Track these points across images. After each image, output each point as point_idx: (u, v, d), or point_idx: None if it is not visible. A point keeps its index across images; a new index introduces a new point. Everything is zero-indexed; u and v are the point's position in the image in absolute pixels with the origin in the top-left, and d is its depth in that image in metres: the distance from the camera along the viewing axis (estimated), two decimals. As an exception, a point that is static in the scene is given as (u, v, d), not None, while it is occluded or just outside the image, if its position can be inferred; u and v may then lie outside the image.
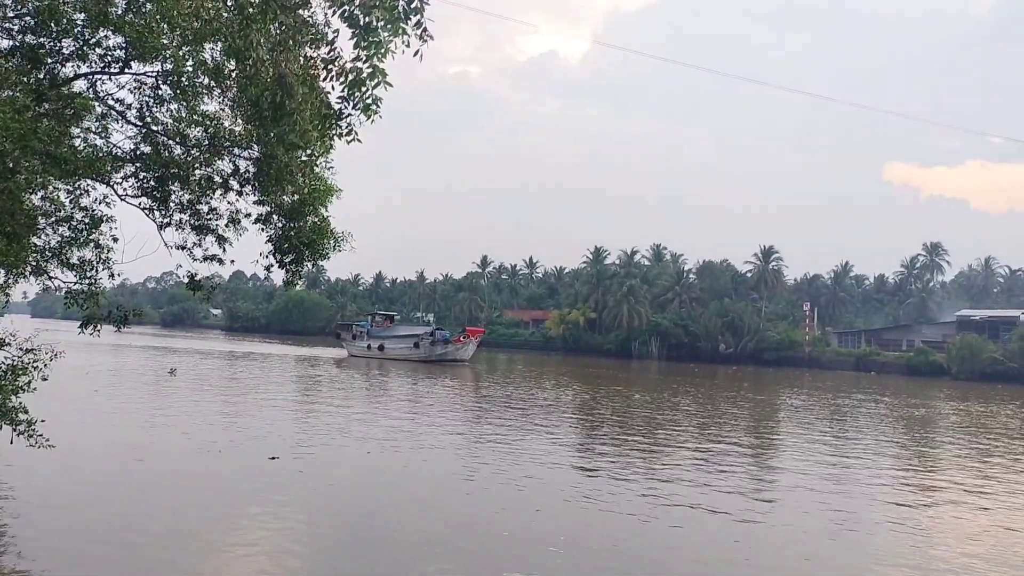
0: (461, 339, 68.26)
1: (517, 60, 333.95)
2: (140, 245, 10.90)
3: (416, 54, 6.24)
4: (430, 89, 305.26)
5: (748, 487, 18.16)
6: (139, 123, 10.53)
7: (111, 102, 10.48)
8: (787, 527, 14.60)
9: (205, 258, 11.24)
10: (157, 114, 10.51)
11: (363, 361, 63.84)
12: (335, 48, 6.90)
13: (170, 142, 10.60)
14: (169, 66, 9.82)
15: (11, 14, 9.55)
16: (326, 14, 7.28)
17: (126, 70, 10.12)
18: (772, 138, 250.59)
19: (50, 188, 10.63)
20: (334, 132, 7.91)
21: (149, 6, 9.15)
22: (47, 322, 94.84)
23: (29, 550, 11.06)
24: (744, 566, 12.20)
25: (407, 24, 6.19)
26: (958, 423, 35.42)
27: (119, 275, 11.52)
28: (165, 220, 11.01)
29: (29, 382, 10.89)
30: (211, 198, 10.96)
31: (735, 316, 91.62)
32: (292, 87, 7.28)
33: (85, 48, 9.75)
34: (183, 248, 11.16)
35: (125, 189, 10.84)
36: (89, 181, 10.72)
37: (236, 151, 10.42)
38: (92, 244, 11.00)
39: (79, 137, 10.53)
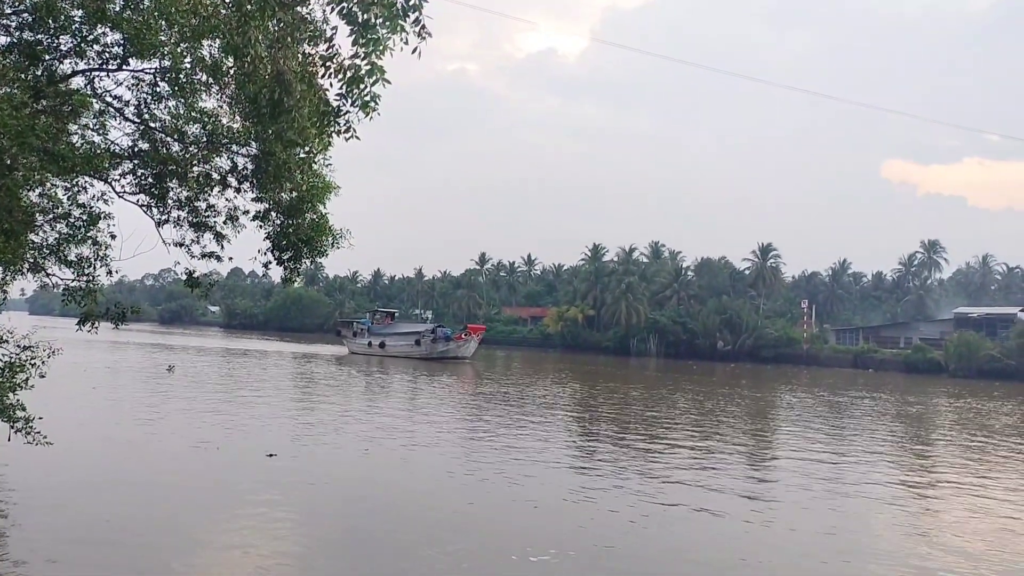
0: (463, 336, 68.24)
1: (515, 57, 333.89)
2: (138, 242, 10.89)
3: (414, 51, 6.23)
4: (428, 86, 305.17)
5: (745, 486, 18.19)
6: (137, 120, 10.50)
7: (109, 99, 10.45)
8: (785, 526, 14.60)
9: (203, 255, 11.22)
10: (155, 111, 10.49)
11: (363, 358, 63.79)
12: (333, 45, 6.89)
13: (168, 139, 10.58)
14: (167, 63, 9.79)
15: (9, 10, 9.52)
16: (324, 11, 7.26)
17: (124, 67, 10.09)
18: (770, 136, 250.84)
19: (48, 185, 10.61)
20: (332, 129, 7.89)
21: (147, 3, 9.14)
22: (45, 319, 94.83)
23: (26, 548, 11.06)
24: (742, 567, 12.17)
25: (405, 21, 6.17)
26: (956, 420, 35.49)
27: (117, 272, 11.48)
28: (163, 217, 10.99)
29: (27, 379, 10.90)
30: (209, 195, 10.94)
31: (733, 313, 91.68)
32: (290, 84, 7.27)
33: (83, 45, 9.72)
34: (181, 245, 11.14)
35: (123, 186, 10.82)
36: (87, 178, 10.70)
37: (234, 148, 10.40)
38: (90, 241, 10.99)
39: (77, 134, 10.51)
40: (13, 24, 9.54)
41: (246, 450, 19.31)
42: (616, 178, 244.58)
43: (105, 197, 10.96)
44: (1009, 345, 73.70)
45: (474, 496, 15.90)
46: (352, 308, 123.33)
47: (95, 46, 9.84)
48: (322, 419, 25.76)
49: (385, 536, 12.76)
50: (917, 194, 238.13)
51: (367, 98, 6.71)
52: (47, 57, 9.69)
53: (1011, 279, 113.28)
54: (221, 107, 10.24)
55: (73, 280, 11.05)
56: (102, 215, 10.98)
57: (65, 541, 11.50)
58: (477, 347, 69.77)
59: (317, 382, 41.26)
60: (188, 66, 9.75)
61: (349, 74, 6.55)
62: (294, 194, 10.12)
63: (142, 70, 10.20)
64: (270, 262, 10.72)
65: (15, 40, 9.49)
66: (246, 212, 10.93)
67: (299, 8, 7.32)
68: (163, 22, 8.98)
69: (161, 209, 10.95)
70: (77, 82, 10.32)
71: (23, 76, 9.06)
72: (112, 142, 10.69)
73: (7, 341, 11.09)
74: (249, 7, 7.04)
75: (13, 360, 10.82)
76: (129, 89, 10.42)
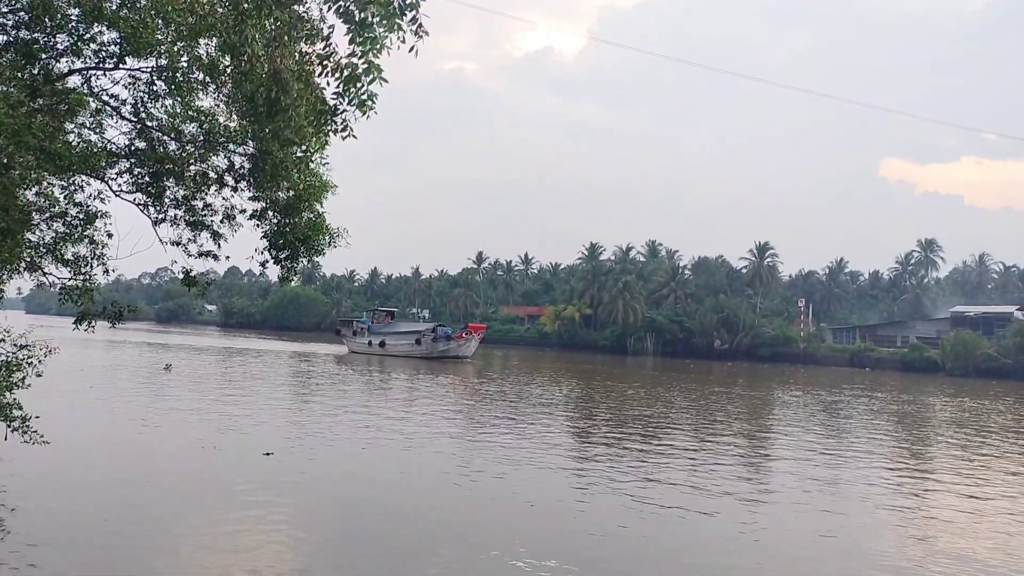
0: (464, 336, 68.15)
1: (513, 56, 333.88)
2: (135, 241, 10.88)
3: (412, 50, 6.24)
4: (426, 85, 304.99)
5: (741, 487, 18.21)
6: (134, 119, 10.49)
7: (106, 97, 10.44)
8: (781, 528, 14.59)
9: (200, 254, 11.22)
10: (152, 110, 10.47)
11: (363, 358, 63.69)
12: (330, 44, 6.89)
13: (165, 138, 10.57)
14: (164, 62, 9.78)
15: (5, 9, 9.50)
16: (321, 10, 7.27)
17: (121, 66, 10.07)
18: (769, 135, 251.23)
19: (44, 184, 10.59)
20: (329, 128, 7.89)
21: (144, 1, 9.11)
22: (41, 318, 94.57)
23: (21, 547, 11.04)
24: (738, 570, 12.15)
25: (402, 20, 6.18)
26: (953, 420, 35.56)
27: (114, 271, 11.46)
28: (160, 216, 10.98)
29: (24, 378, 10.88)
30: (206, 194, 10.93)
31: (730, 312, 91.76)
32: (287, 83, 7.27)
33: (79, 44, 9.70)
34: (178, 244, 11.14)
35: (120, 185, 10.81)
36: (84, 177, 10.69)
37: (231, 147, 10.39)
38: (87, 240, 10.97)
39: (73, 133, 10.49)
40: (9, 23, 9.52)
41: (243, 449, 19.30)
42: (614, 177, 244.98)
43: (102, 196, 10.96)
44: (1006, 344, 73.88)
45: (472, 497, 15.90)
46: (349, 307, 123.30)
47: (92, 45, 9.82)
48: (320, 418, 25.75)
49: (382, 537, 12.76)
50: (915, 193, 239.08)
51: (364, 97, 6.71)
52: (43, 56, 9.67)
53: (1008, 278, 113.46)
54: (218, 106, 10.24)
55: (70, 279, 11.03)
56: (99, 214, 10.97)
57: (62, 541, 11.49)
58: (477, 346, 69.76)
59: (316, 381, 41.23)
60: (185, 65, 9.74)
61: (346, 73, 6.55)
62: (291, 193, 10.12)
63: (139, 69, 10.18)
64: (267, 261, 10.72)
65: (12, 39, 9.47)
66: (243, 211, 10.92)
67: (296, 6, 7.32)
68: (160, 21, 8.97)
69: (158, 208, 10.94)
70: (74, 81, 10.31)
71: (19, 75, 9.04)
72: (109, 141, 10.68)
73: (4, 340, 11.08)
74: (246, 5, 7.05)
75: (10, 359, 10.80)
76: (126, 88, 10.41)
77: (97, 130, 10.65)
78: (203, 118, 10.29)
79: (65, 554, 10.97)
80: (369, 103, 6.78)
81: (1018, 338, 72.78)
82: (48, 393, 16.85)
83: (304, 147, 9.42)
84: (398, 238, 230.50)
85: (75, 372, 33.88)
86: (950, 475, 20.62)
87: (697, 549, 12.98)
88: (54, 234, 11.01)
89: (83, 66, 10.07)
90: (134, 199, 10.89)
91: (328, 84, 7.09)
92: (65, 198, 10.99)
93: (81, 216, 10.90)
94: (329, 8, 6.37)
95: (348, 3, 6.20)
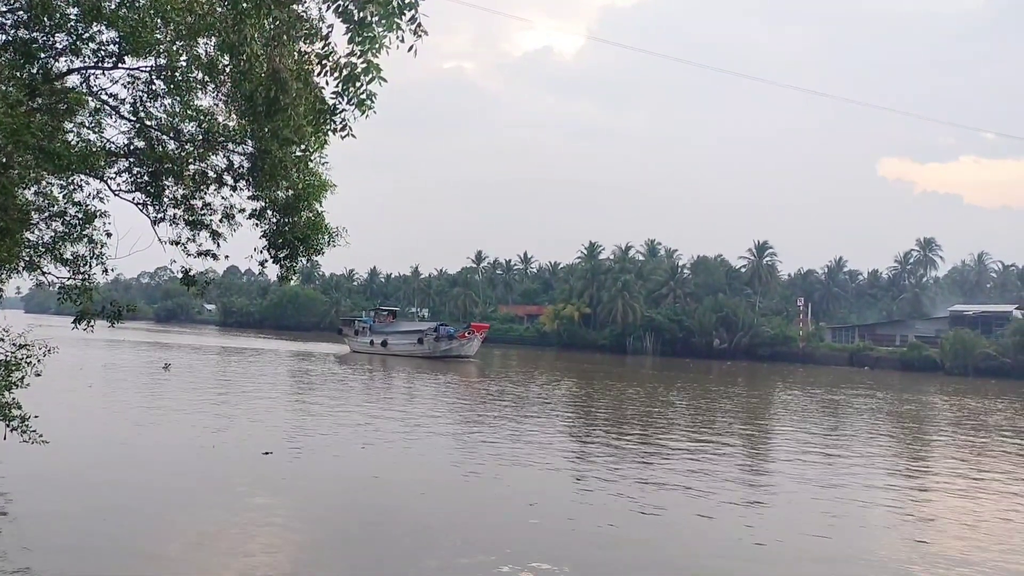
0: (466, 335, 68.10)
1: (512, 55, 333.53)
2: (134, 240, 10.86)
3: (410, 49, 6.23)
4: (425, 85, 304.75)
5: (740, 488, 18.23)
6: (133, 118, 10.48)
7: (104, 97, 10.42)
8: (779, 529, 14.54)
9: (199, 253, 11.20)
10: (151, 109, 10.45)
11: (365, 357, 63.65)
12: (329, 43, 6.89)
13: (164, 137, 10.56)
14: (163, 61, 9.77)
15: (4, 8, 9.49)
16: (320, 9, 7.27)
17: (120, 65, 10.06)
18: (767, 134, 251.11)
19: (43, 183, 10.58)
20: (328, 127, 7.89)
21: (143, 1, 9.11)
22: (40, 318, 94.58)
23: (22, 547, 11.05)
24: (736, 571, 12.15)
25: (401, 19, 6.17)
26: (952, 419, 35.59)
27: (113, 270, 11.44)
28: (159, 215, 10.97)
29: (22, 378, 10.86)
30: (205, 193, 10.92)
31: (729, 311, 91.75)
32: (286, 82, 7.26)
33: (78, 43, 9.69)
34: (177, 243, 11.12)
35: (119, 184, 10.79)
36: (82, 176, 10.67)
37: (230, 146, 10.38)
38: (85, 239, 10.95)
39: (72, 132, 10.47)
40: (8, 22, 9.51)
41: (242, 448, 19.30)
42: (613, 177, 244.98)
43: (101, 195, 10.93)
44: (1005, 343, 73.92)
45: (471, 497, 15.91)
46: (348, 306, 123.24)
47: (91, 44, 9.80)
48: (320, 418, 25.76)
49: (380, 537, 12.76)
50: (914, 192, 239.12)
51: (363, 96, 6.71)
52: (42, 55, 9.65)
53: (1006, 277, 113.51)
54: (217, 105, 10.22)
55: (69, 278, 11.02)
56: (98, 213, 10.95)
57: (60, 541, 11.50)
58: (479, 346, 69.74)
59: (316, 381, 41.24)
60: (184, 64, 9.73)
61: (345, 72, 6.55)
62: (290, 192, 10.11)
63: (138, 68, 10.17)
64: (266, 260, 10.71)
65: (10, 38, 9.46)
66: (242, 210, 10.91)
67: (295, 6, 7.31)
68: (159, 20, 8.95)
69: (157, 207, 10.92)
70: (73, 80, 10.29)
71: (18, 74, 9.03)
72: (108, 140, 10.66)
73: (3, 339, 11.06)
74: (245, 5, 7.04)
75: (9, 358, 10.78)
76: (125, 87, 10.39)
77: (96, 129, 10.63)
78: (202, 117, 10.28)
79: (63, 554, 10.97)
80: (368, 102, 6.78)
81: (1017, 337, 72.82)
82: (48, 393, 16.84)
83: (303, 146, 9.41)
84: (397, 237, 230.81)
85: (74, 371, 33.88)
86: (949, 475, 20.63)
87: (696, 551, 12.98)
88: (53, 233, 10.99)
89: (82, 65, 10.06)
90: (133, 198, 10.87)
91: (327, 83, 7.09)
92: (64, 197, 10.98)
93: (80, 215, 10.88)
94: (328, 7, 6.37)
95: (347, 2, 6.20)
